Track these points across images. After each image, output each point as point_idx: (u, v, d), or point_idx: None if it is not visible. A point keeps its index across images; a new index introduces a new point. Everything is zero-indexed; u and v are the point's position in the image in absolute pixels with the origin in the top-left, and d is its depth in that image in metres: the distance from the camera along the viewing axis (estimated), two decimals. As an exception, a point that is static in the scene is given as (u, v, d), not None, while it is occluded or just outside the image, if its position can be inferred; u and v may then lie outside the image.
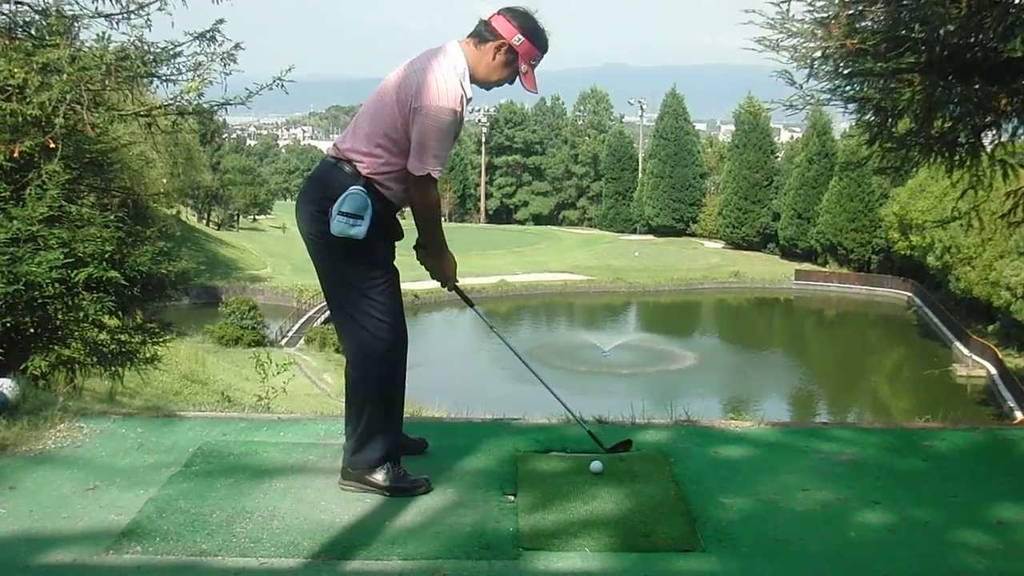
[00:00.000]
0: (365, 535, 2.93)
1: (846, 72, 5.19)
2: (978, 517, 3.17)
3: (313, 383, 29.49)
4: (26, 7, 6.86)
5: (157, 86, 7.32)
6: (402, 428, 3.46)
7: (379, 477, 3.25)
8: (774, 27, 5.26)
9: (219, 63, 7.03)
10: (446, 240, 3.38)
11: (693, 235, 73.29)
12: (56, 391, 5.31)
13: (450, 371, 31.45)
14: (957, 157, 5.40)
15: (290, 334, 41.32)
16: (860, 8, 4.91)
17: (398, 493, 3.24)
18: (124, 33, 6.91)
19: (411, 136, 3.10)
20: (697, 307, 57.42)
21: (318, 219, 3.16)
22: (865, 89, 5.26)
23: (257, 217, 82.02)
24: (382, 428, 3.28)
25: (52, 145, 6.47)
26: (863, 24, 4.92)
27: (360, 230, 3.09)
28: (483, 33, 3.18)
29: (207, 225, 71.43)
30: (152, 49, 6.90)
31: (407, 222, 3.30)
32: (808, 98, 5.51)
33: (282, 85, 7.19)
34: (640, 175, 79.14)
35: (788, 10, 5.23)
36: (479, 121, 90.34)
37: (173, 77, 7.11)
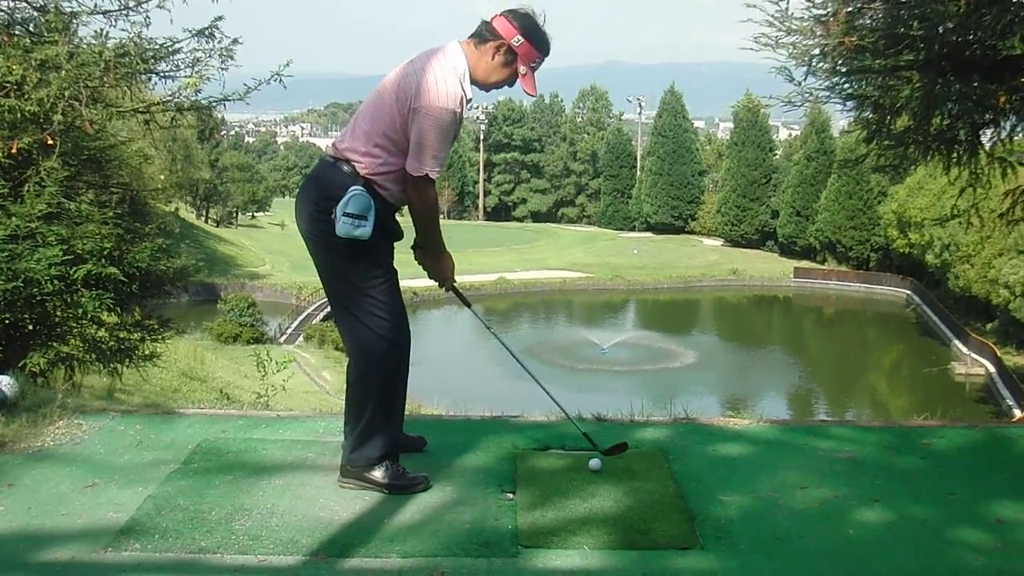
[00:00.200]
0: (364, 533, 2.93)
1: (844, 70, 5.18)
2: (976, 515, 3.17)
3: (312, 380, 29.49)
4: (24, 3, 6.86)
5: (156, 83, 7.32)
6: (403, 427, 3.47)
7: (378, 474, 3.25)
8: (773, 24, 5.26)
9: (217, 59, 7.03)
10: (444, 240, 3.38)
11: (692, 233, 73.34)
12: (55, 388, 5.30)
13: (449, 368, 31.45)
14: (955, 155, 5.40)
15: (289, 331, 41.34)
16: (859, 5, 4.91)
17: (397, 491, 3.24)
18: (123, 30, 6.91)
19: (410, 136, 3.10)
20: (696, 305, 57.45)
21: (317, 218, 3.16)
22: (863, 86, 5.26)
23: (256, 214, 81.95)
24: (382, 426, 3.28)
25: (50, 142, 6.46)
26: (862, 22, 4.92)
27: (365, 231, 3.08)
28: (484, 34, 3.17)
29: (206, 222, 71.37)
30: (151, 46, 6.89)
31: (405, 221, 3.30)
32: (807, 95, 5.51)
33: (280, 80, 7.19)
34: (639, 172, 79.16)
35: (787, 7, 5.23)
36: (477, 118, 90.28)
37: (172, 74, 7.11)
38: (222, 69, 7.09)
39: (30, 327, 6.73)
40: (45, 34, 6.59)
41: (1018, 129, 5.19)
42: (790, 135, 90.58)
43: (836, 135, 60.61)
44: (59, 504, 3.09)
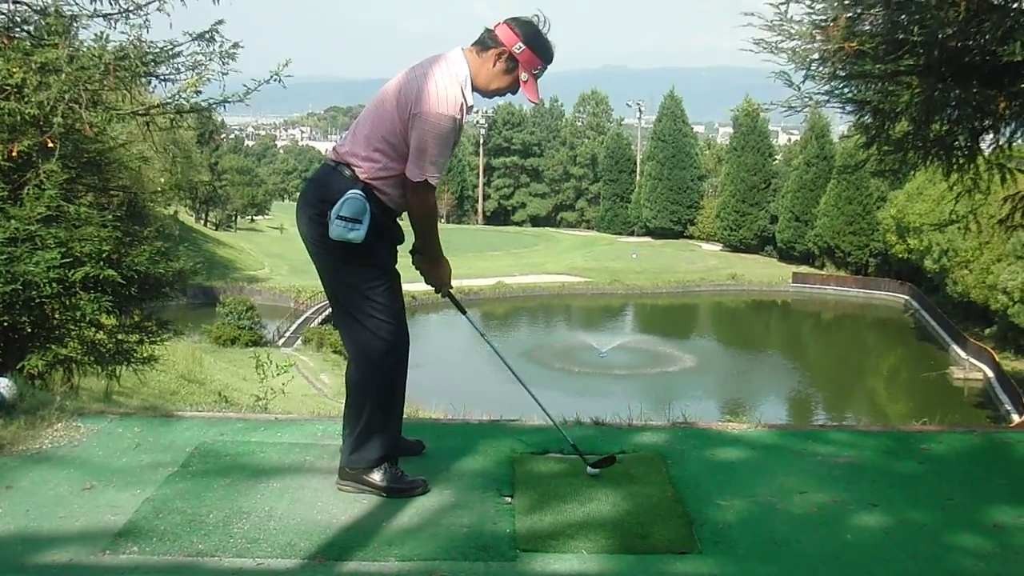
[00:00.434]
0: (362, 536, 2.93)
1: (844, 74, 5.19)
2: (975, 520, 3.17)
3: (310, 384, 29.46)
4: (25, 6, 6.86)
5: (155, 86, 7.32)
6: (401, 430, 3.47)
7: (376, 477, 3.25)
8: (773, 29, 5.26)
9: (218, 62, 7.03)
10: (442, 246, 3.39)
11: (691, 237, 73.39)
12: (53, 390, 5.30)
13: (447, 372, 31.42)
14: (955, 160, 5.40)
15: (287, 334, 41.31)
16: (859, 11, 4.91)
17: (395, 494, 3.24)
18: (123, 33, 6.91)
19: (410, 142, 3.11)
20: (694, 309, 57.45)
21: (317, 222, 3.17)
22: (863, 91, 5.27)
23: (255, 218, 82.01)
24: (381, 428, 3.28)
25: (50, 144, 6.46)
26: (862, 27, 4.93)
27: (358, 234, 3.09)
28: (486, 41, 3.18)
29: (205, 225, 71.41)
30: (151, 49, 6.89)
31: (406, 224, 3.31)
32: (806, 99, 5.51)
33: (279, 80, 7.18)
34: (638, 177, 79.21)
35: (787, 11, 5.23)
36: (477, 122, 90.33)
37: (171, 77, 7.11)
38: (223, 73, 7.10)
39: (28, 329, 6.72)
40: (45, 37, 6.60)
41: (1017, 135, 5.19)
42: (789, 140, 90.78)
43: (836, 140, 60.67)
44: (57, 506, 3.09)
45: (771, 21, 5.25)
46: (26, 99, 6.27)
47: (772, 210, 65.69)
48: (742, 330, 52.61)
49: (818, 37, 5.07)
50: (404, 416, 3.48)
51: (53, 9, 6.74)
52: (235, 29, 7.16)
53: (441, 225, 3.43)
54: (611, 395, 27.63)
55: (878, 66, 4.77)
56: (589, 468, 3.46)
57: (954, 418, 4.73)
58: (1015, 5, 4.38)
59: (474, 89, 3.20)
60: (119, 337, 7.71)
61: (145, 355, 7.95)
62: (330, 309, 3.69)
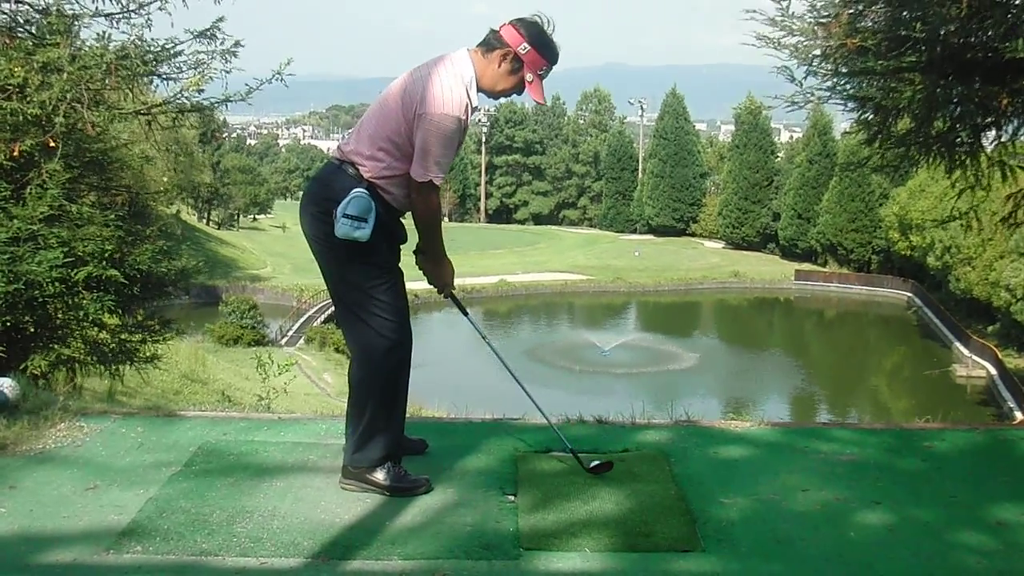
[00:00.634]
0: (365, 535, 2.93)
1: (846, 71, 5.19)
2: (978, 518, 3.17)
3: (313, 383, 29.48)
4: (27, 6, 6.86)
5: (157, 85, 7.33)
6: (404, 428, 3.47)
7: (380, 476, 3.25)
8: (775, 25, 5.26)
9: (219, 60, 7.04)
10: (445, 246, 3.39)
11: (693, 235, 73.32)
12: (56, 390, 5.31)
13: (450, 371, 31.42)
14: (957, 157, 5.40)
15: (290, 333, 41.33)
16: (861, 8, 4.91)
17: (398, 493, 3.24)
18: (124, 32, 6.92)
19: (414, 142, 3.11)
20: (697, 307, 57.43)
21: (321, 220, 3.17)
22: (865, 88, 5.27)
23: (257, 216, 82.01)
24: (384, 427, 3.28)
25: (52, 144, 6.47)
26: (864, 23, 4.92)
27: (364, 233, 3.09)
28: (491, 42, 3.19)
29: (207, 224, 71.45)
30: (152, 48, 6.90)
31: (409, 223, 3.31)
32: (808, 95, 5.51)
33: (282, 79, 7.19)
34: (640, 175, 79.16)
35: (788, 7, 5.23)
36: (479, 121, 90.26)
37: (173, 75, 7.11)
38: (225, 72, 7.10)
39: (31, 329, 6.73)
40: (47, 37, 6.60)
41: (1020, 132, 5.19)
42: (791, 137, 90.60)
43: (838, 137, 60.60)
44: (60, 506, 3.10)
45: (773, 17, 5.25)
46: (28, 99, 6.28)
47: (774, 207, 65.63)
48: (745, 328, 52.59)
49: (820, 33, 5.07)
50: (407, 415, 3.49)
51: (55, 9, 6.74)
52: (236, 27, 7.17)
53: (443, 223, 3.43)
54: (614, 393, 27.68)
55: (880, 62, 4.77)
56: (593, 463, 3.45)
57: (957, 416, 4.72)
58: (1017, 1, 4.37)
59: (480, 90, 3.20)
60: (122, 337, 7.72)
61: (148, 354, 7.97)
62: (333, 308, 3.69)
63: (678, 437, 3.93)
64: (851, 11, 4.91)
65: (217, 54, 7.02)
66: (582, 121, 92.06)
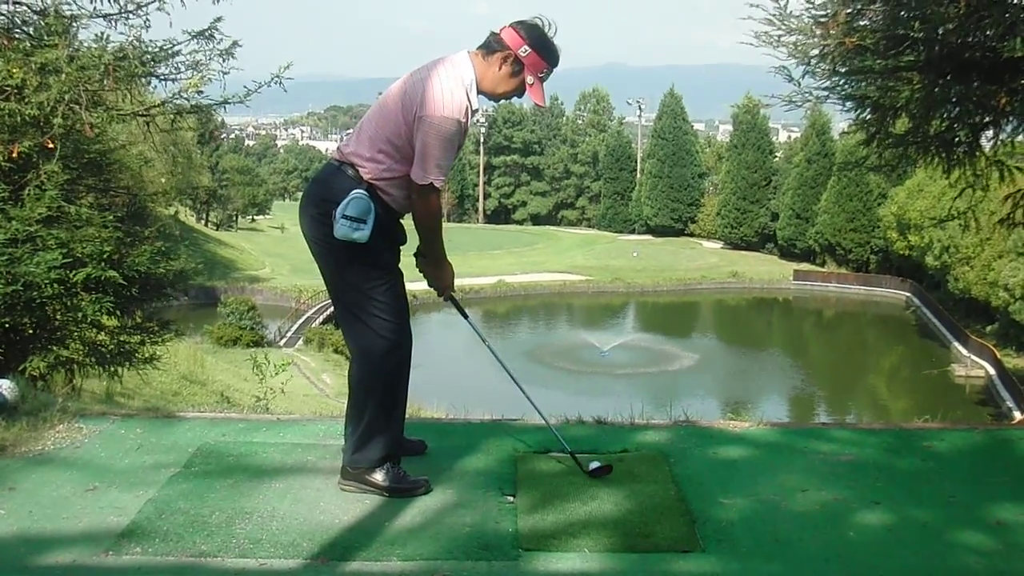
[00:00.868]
0: (364, 536, 2.93)
1: (844, 70, 5.19)
2: (977, 517, 3.17)
3: (312, 384, 29.45)
4: (24, 7, 6.85)
5: (155, 85, 7.32)
6: (403, 429, 3.47)
7: (379, 477, 3.25)
8: (773, 23, 5.26)
9: (218, 60, 7.03)
10: (445, 249, 3.39)
11: (691, 235, 73.33)
12: (55, 392, 5.31)
13: (449, 371, 31.41)
14: (955, 157, 5.40)
15: (288, 334, 41.30)
16: (859, 7, 4.91)
17: (397, 494, 3.24)
18: (122, 33, 6.90)
19: (414, 144, 3.11)
20: (695, 307, 57.43)
21: (320, 221, 3.17)
22: (863, 87, 5.27)
23: (255, 217, 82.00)
24: (383, 428, 3.28)
25: (50, 145, 6.46)
26: (862, 22, 4.92)
27: (363, 234, 3.09)
28: (492, 44, 3.18)
29: (206, 225, 71.42)
30: (150, 48, 6.89)
31: (409, 225, 3.30)
32: (807, 94, 5.51)
33: (280, 82, 7.18)
34: (638, 175, 79.16)
35: (786, 5, 5.23)
36: (478, 121, 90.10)
37: (171, 76, 7.10)
38: (223, 72, 7.09)
39: (30, 331, 6.72)
40: (45, 38, 6.59)
41: (1019, 131, 5.19)
42: (790, 137, 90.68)
43: (836, 137, 60.61)
44: (60, 508, 3.09)
45: (771, 15, 5.25)
46: (26, 100, 6.27)
47: (773, 207, 65.66)
48: (743, 328, 52.60)
49: (818, 32, 5.07)
50: (406, 416, 3.48)
51: (53, 10, 6.73)
52: (234, 28, 7.16)
53: (442, 224, 3.43)
54: (612, 394, 27.63)
55: (878, 62, 4.77)
56: (592, 464, 3.45)
57: (956, 415, 4.72)
58: (1015, 1, 4.37)
59: (480, 92, 3.20)
60: (120, 338, 7.72)
61: (147, 356, 7.96)
62: (332, 309, 3.69)
63: (677, 437, 3.93)
64: (849, 10, 4.91)
65: (215, 54, 7.01)
66: (580, 121, 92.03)
